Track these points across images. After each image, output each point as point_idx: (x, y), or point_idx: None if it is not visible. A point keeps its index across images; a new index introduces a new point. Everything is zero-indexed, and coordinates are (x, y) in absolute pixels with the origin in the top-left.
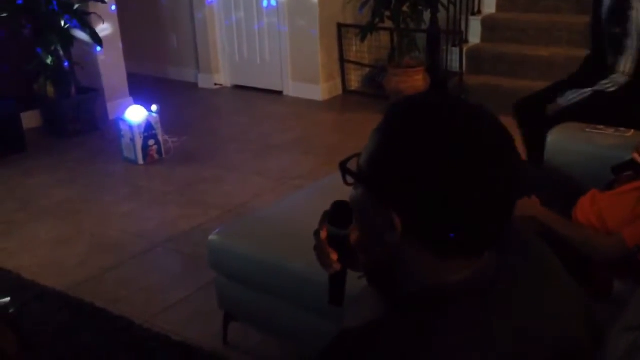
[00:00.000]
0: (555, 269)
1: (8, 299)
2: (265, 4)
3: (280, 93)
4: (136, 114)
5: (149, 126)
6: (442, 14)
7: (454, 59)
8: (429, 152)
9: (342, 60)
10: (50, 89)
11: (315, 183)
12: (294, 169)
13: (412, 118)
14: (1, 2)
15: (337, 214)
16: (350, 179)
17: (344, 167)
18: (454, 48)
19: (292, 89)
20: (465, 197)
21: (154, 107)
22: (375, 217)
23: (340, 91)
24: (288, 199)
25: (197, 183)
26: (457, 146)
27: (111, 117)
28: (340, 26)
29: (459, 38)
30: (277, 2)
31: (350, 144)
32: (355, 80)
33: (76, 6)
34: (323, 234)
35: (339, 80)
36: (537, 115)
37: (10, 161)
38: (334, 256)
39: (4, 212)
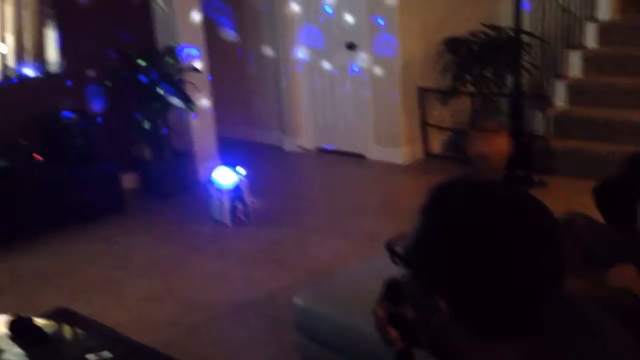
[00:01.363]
0: (623, 347)
1: (110, 355)
2: (348, 70)
3: (362, 156)
4: (225, 177)
5: (236, 188)
6: (525, 77)
7: (538, 122)
8: (473, 238)
9: (424, 124)
10: (147, 153)
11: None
12: (377, 232)
13: (456, 202)
14: (109, 72)
15: (395, 290)
16: (397, 260)
17: (390, 248)
18: (538, 112)
19: (375, 152)
20: (512, 282)
21: (242, 170)
22: (421, 299)
23: (422, 154)
24: (373, 263)
25: (282, 244)
26: (502, 232)
27: (201, 178)
28: (421, 90)
29: (544, 102)
30: (360, 68)
31: None
32: (437, 143)
33: (174, 76)
34: (380, 312)
35: (420, 144)
36: (624, 204)
37: (110, 220)
38: (395, 334)
39: (103, 269)
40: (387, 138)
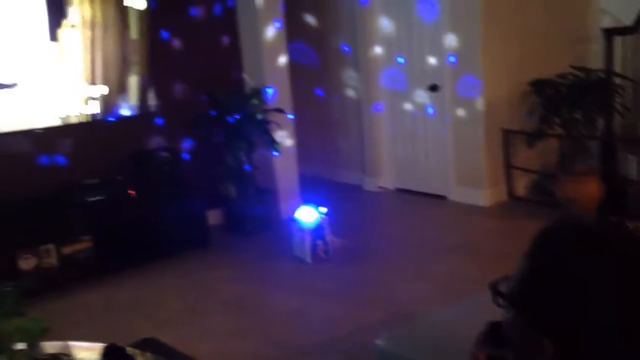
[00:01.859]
0: None
1: None
2: (430, 111)
3: (443, 197)
4: (306, 215)
5: (318, 227)
6: (616, 120)
7: (631, 166)
8: (582, 282)
9: (508, 166)
10: (232, 190)
11: (484, 292)
12: (459, 275)
13: (563, 244)
14: (199, 113)
15: (495, 334)
16: (501, 301)
17: (494, 289)
18: (630, 155)
19: (456, 193)
20: (620, 324)
21: (323, 209)
22: (524, 341)
23: (505, 197)
24: (456, 307)
25: (362, 284)
26: (611, 276)
27: (283, 216)
28: (505, 132)
29: (637, 145)
30: (442, 110)
31: (518, 252)
32: (521, 186)
33: (259, 116)
34: (481, 356)
35: (504, 186)
36: None
37: (195, 255)
38: None
39: (187, 302)
40: (469, 179)
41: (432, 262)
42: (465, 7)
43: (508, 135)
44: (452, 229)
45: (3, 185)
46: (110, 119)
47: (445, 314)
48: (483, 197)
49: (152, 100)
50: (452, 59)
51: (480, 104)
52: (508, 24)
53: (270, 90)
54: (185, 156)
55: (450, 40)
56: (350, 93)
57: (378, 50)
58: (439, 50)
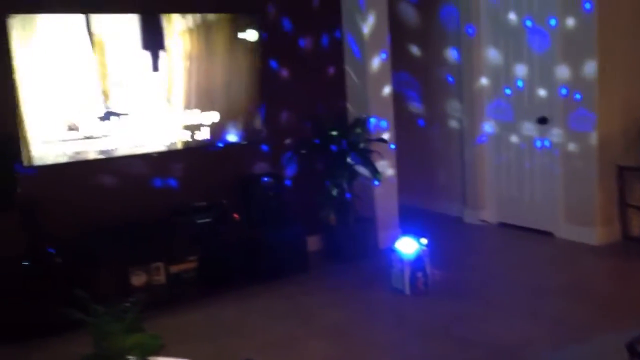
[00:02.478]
0: None
1: None
2: (538, 144)
3: (549, 234)
4: (406, 245)
5: (417, 258)
6: None
7: None
8: None
9: (623, 204)
10: (332, 217)
11: (599, 339)
12: (567, 317)
13: None
14: (304, 141)
15: None
16: None
17: (631, 349)
18: None
19: (564, 230)
20: None
21: (424, 240)
22: None
23: (619, 237)
24: (567, 352)
25: (462, 319)
26: None
27: (381, 245)
28: (621, 168)
29: None
30: (551, 143)
31: (634, 297)
32: (637, 225)
33: (361, 145)
34: None
35: (617, 225)
36: None
37: (294, 279)
38: None
39: (287, 327)
40: (579, 216)
41: (537, 303)
42: (580, 38)
43: (623, 172)
44: (559, 267)
45: (120, 205)
46: (219, 145)
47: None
48: (594, 235)
49: (258, 128)
50: (563, 91)
51: (593, 138)
52: (626, 56)
53: (373, 120)
54: (288, 182)
55: (563, 71)
56: (454, 124)
57: (484, 81)
58: (549, 82)
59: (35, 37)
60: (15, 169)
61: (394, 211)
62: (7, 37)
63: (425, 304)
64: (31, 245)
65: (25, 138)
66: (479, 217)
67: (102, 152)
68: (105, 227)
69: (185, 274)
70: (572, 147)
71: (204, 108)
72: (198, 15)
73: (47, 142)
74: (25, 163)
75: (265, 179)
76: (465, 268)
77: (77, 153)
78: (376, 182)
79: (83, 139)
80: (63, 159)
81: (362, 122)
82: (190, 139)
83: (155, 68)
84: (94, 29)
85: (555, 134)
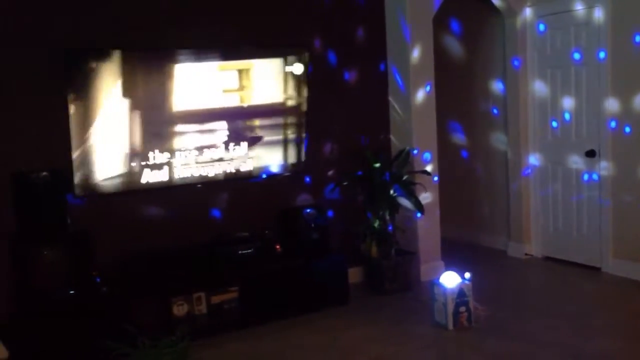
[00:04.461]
0: None
1: None
2: (585, 177)
3: (597, 269)
4: (449, 279)
5: (461, 292)
6: None
7: None
8: None
9: None
10: (374, 249)
11: None
12: (617, 357)
13: None
14: (345, 173)
15: None
16: None
17: None
18: None
19: (612, 266)
20: None
21: (467, 274)
22: None
23: None
24: None
25: (508, 357)
26: None
27: (423, 279)
28: None
29: None
30: (600, 176)
31: None
32: None
33: (404, 177)
34: None
35: None
36: None
37: (335, 311)
38: None
39: (328, 359)
40: (629, 251)
41: (584, 342)
42: (630, 70)
43: None
44: (607, 305)
45: (165, 235)
46: (262, 176)
47: None
48: None
49: (302, 159)
50: (613, 124)
51: None
52: None
53: (416, 152)
54: (330, 214)
55: (612, 104)
56: (499, 156)
57: (530, 113)
58: (597, 115)
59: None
60: (66, 200)
61: (437, 244)
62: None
63: (468, 340)
64: (79, 274)
65: (78, 168)
66: (524, 250)
67: (149, 182)
68: (149, 256)
69: (227, 304)
70: (621, 180)
71: (251, 142)
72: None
73: (102, 173)
74: (77, 193)
75: (308, 210)
76: (510, 304)
77: (125, 183)
78: (419, 215)
79: (136, 169)
80: (111, 188)
81: (406, 154)
82: (234, 170)
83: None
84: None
85: (604, 167)
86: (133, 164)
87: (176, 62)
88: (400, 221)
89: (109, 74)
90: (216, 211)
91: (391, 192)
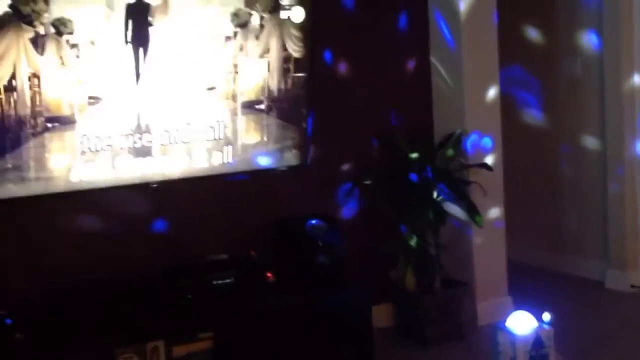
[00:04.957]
0: None
1: None
2: None
3: None
4: (520, 322)
5: (537, 341)
6: None
7: None
8: None
9: None
10: (409, 279)
11: None
12: None
13: None
14: (369, 167)
15: None
16: None
17: None
18: None
19: None
20: None
21: (547, 316)
22: None
23: None
24: None
25: None
26: None
27: (481, 322)
28: None
29: None
30: None
31: None
32: None
33: (454, 174)
34: None
35: None
36: None
37: None
38: None
39: None
40: None
41: None
42: None
43: None
44: None
45: (104, 258)
46: (245, 171)
47: None
48: None
49: (305, 147)
50: None
51: None
52: None
53: (472, 137)
54: (346, 227)
55: None
56: (592, 142)
57: (638, 79)
58: None
59: None
60: None
61: (502, 271)
62: None
63: None
64: None
65: None
66: (629, 281)
67: (74, 181)
68: (82, 289)
69: (196, 356)
70: None
71: (226, 117)
72: None
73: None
74: None
75: (313, 221)
76: (608, 355)
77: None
78: (475, 228)
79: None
80: (26, 190)
81: (456, 140)
82: (205, 162)
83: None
84: None
85: None
86: None
87: None
88: (448, 238)
89: None
90: (180, 224)
91: (435, 194)
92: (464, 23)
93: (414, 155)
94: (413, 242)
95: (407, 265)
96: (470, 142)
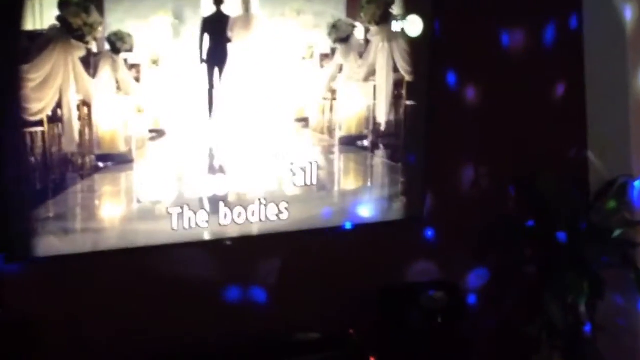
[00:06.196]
0: None
1: None
2: None
3: None
4: None
5: None
6: None
7: None
8: None
9: None
10: None
11: None
12: None
13: None
14: (501, 222)
15: None
16: None
17: None
18: None
19: None
20: None
21: None
22: None
23: None
24: None
25: None
26: None
27: None
28: None
29: None
30: None
31: None
32: None
33: (616, 232)
34: None
35: None
36: None
37: None
38: None
39: None
40: None
41: None
42: None
43: None
44: None
45: (160, 331)
46: (345, 226)
47: None
48: None
49: (420, 196)
50: None
51: None
52: None
53: (639, 185)
54: (473, 299)
55: None
56: None
57: None
58: None
59: None
60: None
61: None
62: None
63: None
64: None
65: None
66: None
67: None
68: None
69: None
70: None
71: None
72: None
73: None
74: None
75: (430, 292)
76: None
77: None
78: None
79: None
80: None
81: (620, 189)
82: (292, 215)
83: None
84: None
85: None
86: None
87: None
88: (607, 316)
89: None
90: (259, 291)
91: (590, 259)
92: (632, 36)
93: (564, 207)
94: (561, 320)
95: (554, 351)
96: (638, 191)
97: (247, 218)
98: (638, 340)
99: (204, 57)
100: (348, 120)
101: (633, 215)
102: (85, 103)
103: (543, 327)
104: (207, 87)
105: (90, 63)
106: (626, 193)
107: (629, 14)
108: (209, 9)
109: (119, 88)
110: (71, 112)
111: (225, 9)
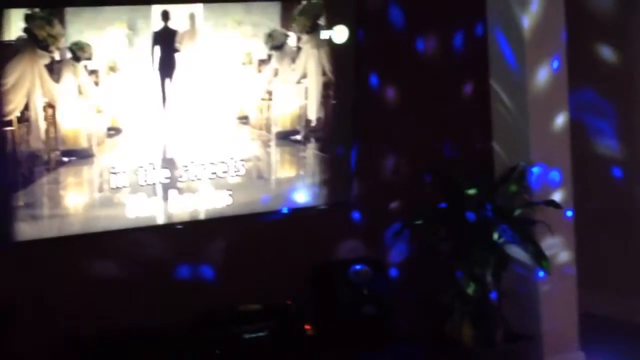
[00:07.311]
0: None
1: None
2: None
3: None
4: None
5: None
6: None
7: None
8: None
9: None
10: (466, 332)
11: None
12: None
13: None
14: (418, 205)
15: None
16: None
17: None
18: None
19: None
20: None
21: None
22: None
23: None
24: None
25: None
26: None
27: None
28: None
29: None
30: None
31: None
32: None
33: (517, 212)
34: None
35: None
36: None
37: None
38: None
39: None
40: None
41: None
42: None
43: None
44: None
45: (120, 306)
46: (281, 211)
47: None
48: None
49: (348, 183)
50: None
51: None
52: None
53: (537, 170)
54: (394, 273)
55: None
56: None
57: None
58: None
59: None
60: None
61: (572, 323)
62: None
63: None
64: None
65: None
66: None
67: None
68: (99, 340)
69: None
70: None
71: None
72: None
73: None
74: None
75: (357, 267)
76: None
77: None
78: (542, 274)
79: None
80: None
81: (520, 174)
82: (235, 201)
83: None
84: None
85: None
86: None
87: None
88: (510, 285)
89: None
90: (207, 269)
91: (495, 236)
92: (529, 42)
93: (472, 191)
94: (471, 289)
95: (464, 316)
96: (535, 176)
97: (195, 204)
98: (536, 305)
99: (156, 66)
100: (283, 117)
101: (531, 197)
102: (50, 105)
103: (455, 296)
104: (158, 90)
105: (54, 70)
106: (525, 178)
107: (526, 22)
108: (158, 24)
109: (80, 92)
110: (38, 113)
111: (172, 24)
